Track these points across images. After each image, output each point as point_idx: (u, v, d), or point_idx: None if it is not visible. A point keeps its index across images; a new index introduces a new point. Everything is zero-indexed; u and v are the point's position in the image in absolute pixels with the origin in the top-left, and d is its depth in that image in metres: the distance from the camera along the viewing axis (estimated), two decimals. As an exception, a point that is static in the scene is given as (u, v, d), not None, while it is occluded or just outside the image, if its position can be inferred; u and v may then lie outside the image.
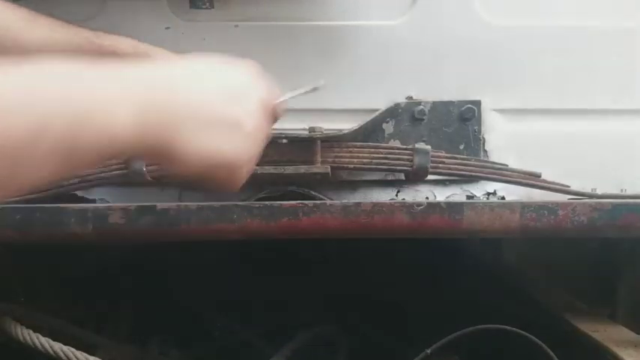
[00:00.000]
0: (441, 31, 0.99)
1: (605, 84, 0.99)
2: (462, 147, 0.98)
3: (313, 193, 0.94)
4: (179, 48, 0.85)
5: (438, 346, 0.89)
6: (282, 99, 0.73)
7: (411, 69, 0.99)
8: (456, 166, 0.91)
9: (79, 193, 0.96)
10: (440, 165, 0.91)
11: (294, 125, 0.94)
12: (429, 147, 0.90)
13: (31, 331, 0.90)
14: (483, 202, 0.80)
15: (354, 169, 0.92)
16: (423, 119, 0.98)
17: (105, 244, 1.24)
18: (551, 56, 0.99)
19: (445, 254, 1.39)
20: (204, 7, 0.99)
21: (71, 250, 1.28)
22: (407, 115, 0.99)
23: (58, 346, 0.88)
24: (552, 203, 0.80)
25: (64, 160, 0.48)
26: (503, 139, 0.99)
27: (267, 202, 0.80)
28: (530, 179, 0.90)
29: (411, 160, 0.90)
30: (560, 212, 0.79)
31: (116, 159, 0.69)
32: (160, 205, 0.80)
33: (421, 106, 0.98)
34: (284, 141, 0.91)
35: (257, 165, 0.88)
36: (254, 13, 0.99)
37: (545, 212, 0.79)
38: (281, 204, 0.80)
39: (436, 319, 1.19)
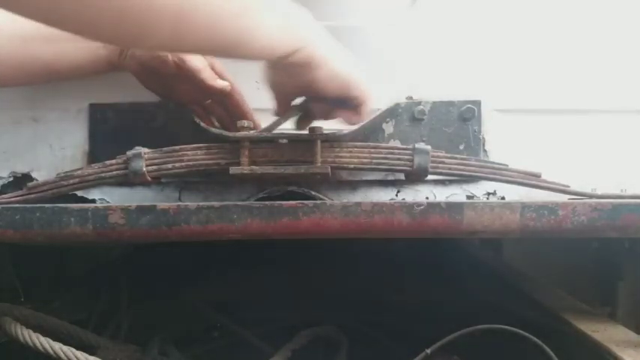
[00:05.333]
0: (441, 31, 0.99)
1: (605, 84, 0.99)
2: (462, 147, 0.98)
3: (313, 193, 0.94)
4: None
5: (438, 346, 0.89)
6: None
7: (411, 69, 0.99)
8: (456, 166, 0.91)
9: (79, 193, 0.96)
10: (440, 165, 0.91)
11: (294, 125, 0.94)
12: (429, 147, 0.90)
13: (31, 331, 0.90)
14: (483, 202, 0.80)
15: (354, 169, 0.91)
16: (423, 119, 0.98)
17: (105, 244, 1.24)
18: (552, 56, 0.99)
19: (445, 254, 1.39)
20: (204, 7, 0.99)
21: (71, 250, 1.28)
22: (407, 115, 0.99)
23: (58, 346, 0.88)
24: (552, 203, 0.80)
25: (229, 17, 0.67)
26: (503, 139, 0.99)
27: (267, 202, 0.80)
28: (530, 179, 0.90)
29: (411, 160, 0.90)
30: (560, 212, 0.79)
31: (268, 56, 0.78)
32: (159, 205, 0.80)
33: (421, 106, 0.98)
34: (284, 141, 0.91)
35: (257, 165, 0.89)
36: (254, 13, 0.99)
37: (545, 212, 0.79)
38: (281, 204, 0.80)
39: (436, 319, 1.19)
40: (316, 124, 0.90)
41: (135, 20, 0.61)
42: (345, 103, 0.87)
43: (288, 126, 0.93)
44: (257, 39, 0.72)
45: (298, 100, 0.90)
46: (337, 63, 0.81)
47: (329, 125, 0.91)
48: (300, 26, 0.76)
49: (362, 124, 0.93)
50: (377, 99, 0.95)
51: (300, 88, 0.84)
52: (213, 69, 0.92)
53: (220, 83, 0.92)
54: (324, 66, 0.79)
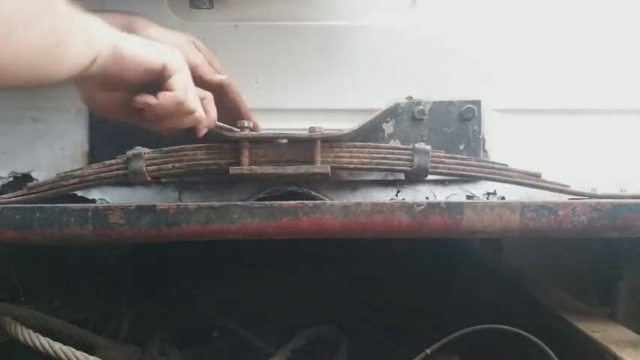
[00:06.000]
0: (441, 31, 0.99)
1: (605, 84, 0.99)
2: (462, 147, 0.98)
3: (313, 193, 0.94)
4: (179, 48, 0.85)
5: (438, 346, 0.89)
6: None
7: (411, 69, 0.99)
8: (456, 166, 0.91)
9: (79, 193, 0.96)
10: (440, 165, 0.91)
11: (294, 125, 0.94)
12: (429, 147, 0.90)
13: (31, 331, 0.90)
14: (483, 202, 0.80)
15: (354, 169, 0.92)
16: (423, 119, 0.98)
17: (105, 244, 1.24)
18: (551, 56, 0.99)
19: (445, 254, 1.39)
20: (204, 7, 0.99)
21: (71, 250, 1.28)
22: (407, 115, 0.99)
23: (58, 346, 0.88)
24: (552, 203, 0.80)
25: (48, 50, 0.68)
26: (503, 139, 0.99)
27: (267, 202, 0.80)
28: (530, 179, 0.90)
29: (411, 160, 0.90)
30: (560, 212, 0.79)
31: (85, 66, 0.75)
32: (159, 205, 0.80)
33: (421, 106, 0.98)
34: (284, 141, 0.91)
35: (257, 165, 0.89)
36: (254, 13, 0.99)
37: (545, 212, 0.79)
38: (281, 204, 0.80)
39: (436, 319, 1.19)
40: (316, 122, 0.90)
41: None
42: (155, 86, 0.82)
43: (289, 125, 0.94)
44: (67, 64, 0.71)
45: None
46: (127, 45, 0.77)
47: (329, 125, 0.91)
48: (95, 36, 0.74)
49: (362, 124, 0.93)
50: (374, 94, 0.95)
51: (106, 90, 0.81)
52: (211, 65, 0.92)
53: (218, 77, 0.92)
54: (113, 54, 0.76)
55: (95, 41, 0.74)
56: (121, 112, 0.83)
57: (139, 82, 0.80)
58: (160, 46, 0.81)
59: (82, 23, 0.73)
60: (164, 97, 0.80)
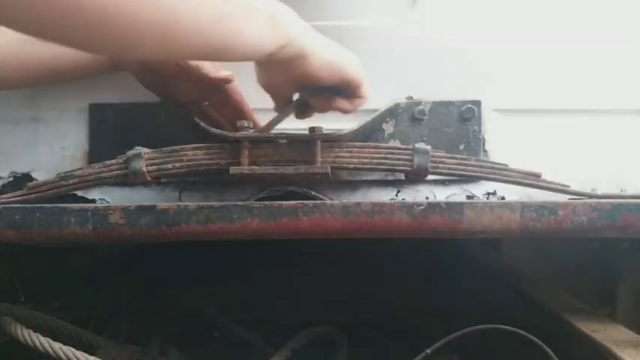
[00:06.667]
0: (440, 31, 0.99)
1: (605, 84, 0.99)
2: (462, 147, 0.98)
3: (313, 193, 0.94)
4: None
5: (438, 346, 0.89)
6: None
7: (411, 69, 0.99)
8: (456, 166, 0.91)
9: (79, 193, 0.96)
10: (440, 165, 0.91)
11: (294, 125, 0.94)
12: (429, 147, 0.90)
13: (31, 331, 0.90)
14: (483, 202, 0.80)
15: (354, 169, 0.92)
16: (423, 119, 0.99)
17: (105, 244, 1.24)
18: (551, 56, 0.99)
19: (445, 254, 1.39)
20: (204, 7, 0.99)
21: (71, 250, 1.28)
22: (407, 115, 0.99)
23: (58, 346, 0.88)
24: (552, 203, 0.80)
25: (216, 20, 0.67)
26: (503, 139, 0.99)
27: (267, 202, 0.80)
28: (530, 179, 0.90)
29: (411, 160, 0.90)
30: (560, 212, 0.79)
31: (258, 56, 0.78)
32: (159, 205, 0.80)
33: (421, 106, 0.98)
34: (284, 141, 0.91)
35: (257, 165, 0.89)
36: (254, 13, 0.99)
37: (545, 212, 0.79)
38: (281, 204, 0.80)
39: (436, 319, 1.19)
40: (316, 122, 0.90)
41: (120, 34, 0.62)
42: (341, 92, 0.87)
43: (289, 125, 0.93)
44: (242, 42, 0.73)
45: (295, 97, 0.90)
46: (326, 50, 0.81)
47: (329, 125, 0.91)
48: (284, 23, 0.76)
49: (362, 124, 0.93)
50: (374, 94, 0.95)
51: (294, 82, 0.84)
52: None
53: (224, 73, 0.92)
54: (313, 55, 0.80)
55: (284, 29, 0.76)
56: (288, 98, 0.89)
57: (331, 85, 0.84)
58: (345, 53, 0.84)
59: (267, 6, 0.74)
60: (359, 104, 0.89)
